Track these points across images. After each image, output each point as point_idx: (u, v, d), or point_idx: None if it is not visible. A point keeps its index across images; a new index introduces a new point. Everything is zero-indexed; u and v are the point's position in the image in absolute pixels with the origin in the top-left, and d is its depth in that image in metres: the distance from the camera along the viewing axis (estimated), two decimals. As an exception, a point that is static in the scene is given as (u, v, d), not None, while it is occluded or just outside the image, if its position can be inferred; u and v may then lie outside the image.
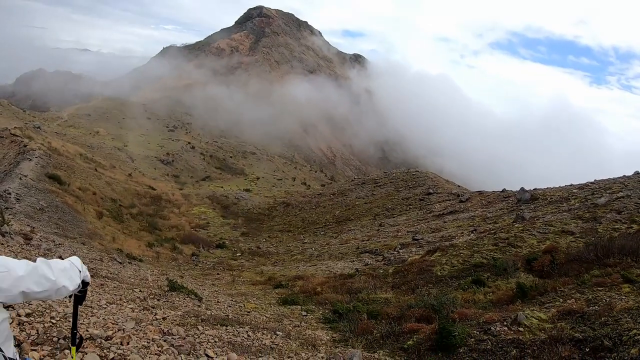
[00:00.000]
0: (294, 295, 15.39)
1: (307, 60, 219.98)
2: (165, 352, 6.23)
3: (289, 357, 7.68)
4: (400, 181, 48.55)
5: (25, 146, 39.42)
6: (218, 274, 23.63)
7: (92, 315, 7.32)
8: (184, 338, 7.26)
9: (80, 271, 2.77)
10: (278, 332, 9.48)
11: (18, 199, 23.79)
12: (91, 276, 11.50)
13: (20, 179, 28.57)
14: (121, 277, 13.58)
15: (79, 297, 2.84)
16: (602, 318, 7.46)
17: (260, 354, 7.54)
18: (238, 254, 31.88)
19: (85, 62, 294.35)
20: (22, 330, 5.51)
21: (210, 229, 41.40)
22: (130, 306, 9.11)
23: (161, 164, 77.36)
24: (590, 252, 12.06)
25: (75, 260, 2.80)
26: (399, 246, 25.34)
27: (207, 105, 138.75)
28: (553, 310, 8.61)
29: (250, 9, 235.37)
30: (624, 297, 8.62)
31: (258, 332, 9.26)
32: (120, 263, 18.21)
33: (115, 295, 9.93)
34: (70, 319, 6.55)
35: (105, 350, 5.69)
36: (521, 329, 8.05)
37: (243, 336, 8.66)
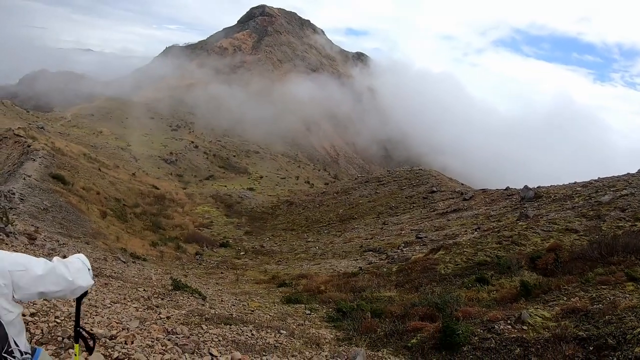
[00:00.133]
0: (297, 294, 15.40)
1: (309, 58, 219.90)
2: (169, 351, 6.24)
3: (292, 356, 7.68)
4: (403, 179, 48.51)
5: (29, 146, 39.50)
6: (222, 272, 23.65)
7: (96, 315, 7.34)
8: (188, 337, 7.27)
9: (89, 269, 2.79)
10: (282, 331, 9.49)
11: (22, 199, 23.83)
12: (95, 275, 11.56)
13: (24, 179, 28.63)
14: (125, 277, 13.60)
15: (82, 294, 2.85)
16: (606, 316, 7.45)
17: (264, 353, 7.54)
18: (242, 253, 31.91)
19: (87, 62, 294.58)
20: (27, 330, 5.52)
21: (214, 228, 41.45)
22: (134, 305, 9.13)
23: (165, 163, 77.44)
24: (594, 250, 12.03)
25: (84, 259, 2.81)
26: (403, 244, 25.32)
27: (210, 105, 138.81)
28: (557, 309, 8.60)
29: (252, 8, 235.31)
30: (627, 296, 8.61)
31: (262, 330, 9.27)
32: (124, 262, 18.23)
33: (119, 294, 9.95)
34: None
35: (109, 350, 5.70)
36: (525, 327, 8.04)
37: (247, 335, 8.67)
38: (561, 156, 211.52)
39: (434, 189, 41.97)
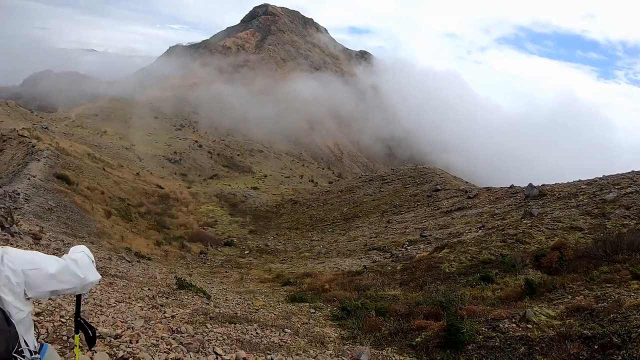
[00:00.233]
0: (302, 293, 15.41)
1: (313, 57, 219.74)
2: (174, 350, 6.26)
3: (297, 355, 7.69)
4: (407, 178, 48.48)
5: (33, 147, 39.62)
6: (226, 271, 23.68)
7: (101, 314, 7.37)
8: (193, 336, 7.29)
9: (93, 262, 2.81)
10: (286, 330, 9.51)
11: (27, 199, 23.90)
12: (100, 275, 11.58)
13: (29, 179, 28.72)
14: (130, 276, 13.63)
15: None
16: (611, 315, 7.44)
17: (268, 352, 7.56)
18: (246, 252, 31.95)
19: (91, 63, 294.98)
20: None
21: (218, 227, 41.52)
22: (139, 304, 9.15)
23: (169, 162, 77.58)
24: (599, 249, 12.01)
25: (88, 252, 2.83)
26: (407, 243, 25.32)
27: (214, 104, 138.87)
28: (561, 307, 8.59)
29: (255, 7, 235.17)
30: (632, 294, 8.58)
31: (266, 329, 9.29)
32: (129, 262, 18.27)
33: (124, 293, 9.98)
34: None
35: (114, 349, 5.73)
36: (529, 325, 8.02)
37: (251, 334, 8.68)
38: (565, 154, 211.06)
39: (438, 187, 41.93)
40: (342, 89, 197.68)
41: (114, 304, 8.53)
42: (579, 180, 28.88)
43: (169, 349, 6.26)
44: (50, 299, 6.73)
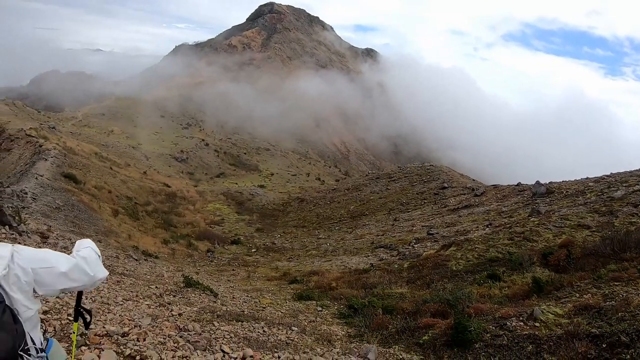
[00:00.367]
0: (309, 291, 15.43)
1: (319, 55, 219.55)
2: (181, 348, 6.27)
3: (304, 353, 7.69)
4: (414, 175, 48.38)
5: (40, 146, 39.83)
6: (233, 270, 23.72)
7: (108, 312, 7.39)
8: (200, 334, 7.30)
9: (99, 256, 2.83)
10: (293, 328, 9.51)
11: (34, 199, 24.02)
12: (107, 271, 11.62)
13: (36, 178, 28.86)
14: (137, 274, 13.67)
15: None
16: (619, 313, 7.40)
17: (275, 350, 7.56)
18: (253, 250, 32.00)
19: (98, 62, 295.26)
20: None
21: (225, 225, 41.60)
22: (146, 302, 9.18)
23: (175, 161, 77.75)
24: (607, 247, 11.95)
25: (94, 246, 2.85)
26: (414, 241, 25.28)
27: (220, 102, 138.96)
28: (569, 305, 8.55)
29: (261, 6, 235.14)
30: (641, 292, 8.54)
31: (273, 327, 9.29)
32: (136, 260, 18.33)
33: (131, 292, 10.00)
34: (87, 316, 6.62)
35: (121, 347, 5.74)
36: (537, 324, 7.99)
37: (259, 332, 8.70)
38: (572, 150, 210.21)
39: (445, 185, 41.84)
40: (348, 86, 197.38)
41: (122, 302, 8.55)
42: (587, 178, 28.73)
43: (176, 347, 6.27)
44: (57, 297, 6.76)
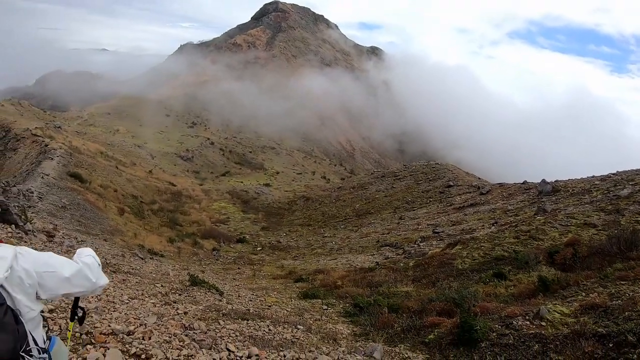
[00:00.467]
0: (314, 289, 15.43)
1: (323, 53, 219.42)
2: (186, 347, 6.28)
3: (310, 351, 7.68)
4: (420, 174, 48.31)
5: (46, 146, 40.00)
6: (239, 268, 23.75)
7: (114, 311, 7.40)
8: (206, 332, 7.30)
9: (99, 265, 2.85)
10: (299, 326, 9.51)
11: (40, 198, 24.11)
12: (113, 272, 11.69)
13: (42, 177, 28.97)
14: (143, 273, 13.70)
15: None
16: (626, 313, 7.35)
17: (281, 348, 7.55)
18: (259, 248, 32.04)
19: (103, 62, 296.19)
20: (45, 326, 5.57)
21: (230, 224, 41.65)
22: (152, 301, 9.19)
23: (181, 160, 77.84)
24: (613, 245, 11.88)
25: (94, 254, 2.87)
26: (420, 239, 25.25)
27: (225, 101, 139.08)
28: (575, 305, 8.51)
29: (266, 4, 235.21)
30: (647, 291, 8.49)
31: (279, 326, 9.29)
32: (142, 258, 18.37)
33: (137, 290, 10.02)
34: (93, 315, 6.66)
35: (127, 345, 5.75)
36: (543, 323, 7.95)
37: (264, 330, 8.69)
38: (578, 148, 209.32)
39: (451, 183, 41.76)
40: (353, 84, 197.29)
41: (127, 301, 8.57)
42: (593, 176, 28.61)
43: (181, 346, 6.27)
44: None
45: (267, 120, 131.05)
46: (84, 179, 33.52)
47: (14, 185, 25.06)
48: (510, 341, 7.66)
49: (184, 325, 7.46)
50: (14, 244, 9.68)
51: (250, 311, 10.50)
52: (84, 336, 5.68)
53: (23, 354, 2.17)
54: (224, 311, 9.57)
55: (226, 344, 6.96)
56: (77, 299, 2.96)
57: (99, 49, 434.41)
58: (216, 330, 7.75)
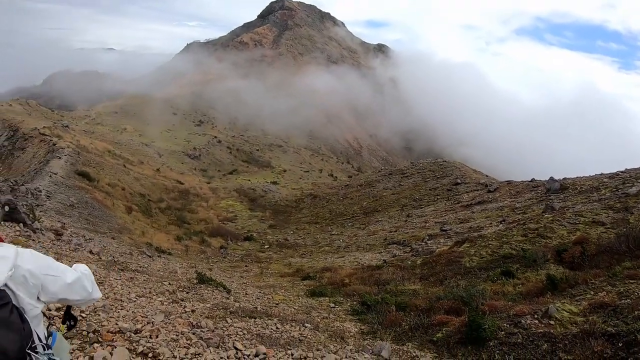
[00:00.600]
0: (322, 287, 15.41)
1: (330, 51, 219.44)
2: (194, 345, 6.28)
3: (317, 350, 7.67)
4: (427, 171, 48.20)
5: (54, 145, 40.19)
6: (246, 266, 23.76)
7: (121, 309, 7.42)
8: (213, 331, 7.30)
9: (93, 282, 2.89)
10: (306, 324, 9.50)
11: (49, 196, 24.22)
12: (121, 270, 11.73)
13: (50, 176, 29.11)
14: (150, 271, 13.74)
15: None
16: (635, 312, 7.29)
17: (289, 347, 7.54)
18: (266, 246, 32.07)
19: (110, 61, 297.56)
20: (52, 325, 5.59)
21: (238, 222, 41.70)
22: (159, 299, 9.21)
23: (188, 158, 78.10)
24: (622, 244, 11.80)
25: (89, 271, 2.89)
26: (427, 237, 25.19)
27: (232, 99, 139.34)
28: (584, 303, 8.44)
29: (272, 2, 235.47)
30: (657, 290, 8.42)
31: (286, 324, 9.28)
32: (150, 256, 18.41)
33: (144, 288, 10.04)
34: (100, 313, 6.67)
35: (134, 344, 5.75)
36: (552, 322, 7.90)
37: (271, 328, 8.69)
38: (586, 145, 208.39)
39: (458, 180, 41.63)
40: (359, 82, 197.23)
41: (135, 299, 8.59)
42: (601, 174, 28.45)
43: (188, 344, 6.28)
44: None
45: (274, 118, 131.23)
46: (91, 177, 33.66)
47: (22, 184, 25.21)
48: (519, 340, 7.62)
49: (192, 323, 7.46)
50: (22, 243, 9.73)
51: (258, 309, 10.51)
52: (91, 334, 5.69)
53: (29, 351, 2.19)
54: (231, 309, 9.58)
55: (233, 343, 6.95)
56: (69, 307, 2.96)
57: (105, 48, 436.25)
58: (223, 329, 7.75)
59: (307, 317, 10.76)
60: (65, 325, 3.00)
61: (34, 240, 12.13)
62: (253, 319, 9.03)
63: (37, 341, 2.30)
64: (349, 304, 12.83)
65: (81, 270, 2.72)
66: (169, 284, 11.60)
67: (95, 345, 5.45)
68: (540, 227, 17.16)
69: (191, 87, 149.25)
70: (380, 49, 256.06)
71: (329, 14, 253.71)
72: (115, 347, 5.44)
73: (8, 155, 44.31)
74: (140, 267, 13.92)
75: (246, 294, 13.43)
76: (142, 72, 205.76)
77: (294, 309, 11.88)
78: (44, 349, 2.36)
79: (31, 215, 14.63)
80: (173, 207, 40.55)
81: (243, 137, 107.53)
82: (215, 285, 12.61)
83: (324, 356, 7.27)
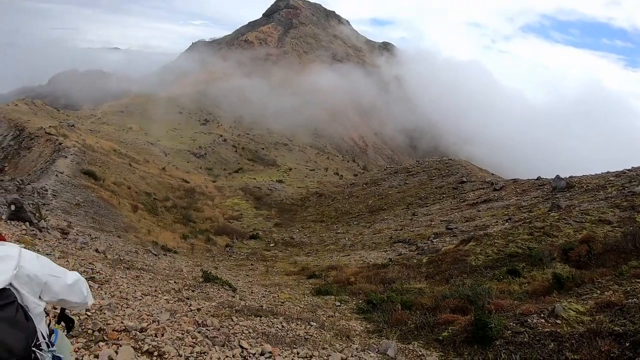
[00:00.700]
0: (327, 286, 15.42)
1: (335, 49, 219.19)
2: (199, 344, 6.28)
3: (323, 349, 7.66)
4: (433, 170, 48.11)
5: (60, 144, 40.30)
6: (252, 264, 23.80)
7: (127, 307, 7.43)
8: (219, 329, 7.30)
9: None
10: (312, 323, 9.49)
11: (55, 195, 24.29)
12: (127, 268, 11.75)
13: (57, 175, 29.18)
14: (156, 269, 13.77)
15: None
16: (642, 311, 7.26)
17: (294, 345, 7.54)
18: (271, 245, 32.07)
19: (115, 61, 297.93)
20: (58, 323, 5.60)
21: (243, 220, 41.74)
22: (165, 297, 9.23)
23: (194, 157, 78.18)
24: (628, 242, 11.74)
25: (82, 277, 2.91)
26: (433, 235, 25.13)
27: (237, 98, 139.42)
28: (591, 303, 8.40)
29: (277, 1, 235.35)
30: (664, 289, 8.37)
31: (292, 322, 9.28)
32: (156, 255, 18.47)
33: (150, 286, 10.07)
34: (106, 311, 6.68)
35: (139, 342, 5.75)
36: (558, 321, 7.86)
37: (277, 327, 8.69)
38: (591, 143, 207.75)
39: (464, 179, 41.53)
40: (364, 80, 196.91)
41: (140, 297, 8.61)
42: (607, 172, 28.31)
43: (194, 343, 6.28)
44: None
45: (279, 116, 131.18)
46: (97, 176, 33.73)
47: (29, 184, 25.31)
48: (525, 339, 7.59)
49: (197, 321, 7.47)
50: (28, 241, 9.74)
51: (264, 307, 10.52)
52: (96, 333, 5.70)
53: (34, 349, 2.22)
54: (237, 308, 9.59)
55: (239, 341, 6.95)
56: (63, 310, 2.98)
57: (110, 47, 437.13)
58: (229, 327, 7.76)
59: (313, 315, 10.76)
60: (61, 325, 3.03)
61: (40, 239, 12.16)
62: (259, 318, 9.03)
63: (41, 339, 2.34)
64: (354, 303, 12.83)
65: (78, 276, 2.75)
66: (175, 282, 11.62)
67: (101, 343, 5.46)
68: (546, 225, 17.10)
69: (196, 86, 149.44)
70: (386, 47, 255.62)
71: (334, 12, 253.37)
72: (121, 346, 5.45)
73: (14, 154, 44.50)
74: (146, 265, 13.96)
75: (252, 292, 13.44)
76: (147, 71, 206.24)
77: (300, 307, 11.88)
78: (48, 347, 2.39)
79: (37, 214, 14.67)
80: (179, 205, 40.60)
81: (248, 135, 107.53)
82: (221, 283, 12.63)
83: (330, 355, 7.25)
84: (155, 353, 5.60)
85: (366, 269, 18.66)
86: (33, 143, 43.95)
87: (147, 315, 7.17)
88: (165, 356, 5.60)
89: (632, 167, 27.12)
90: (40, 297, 2.41)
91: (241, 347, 6.72)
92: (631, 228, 13.68)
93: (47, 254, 9.50)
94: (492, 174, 46.79)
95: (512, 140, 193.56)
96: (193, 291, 10.96)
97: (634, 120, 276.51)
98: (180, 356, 5.72)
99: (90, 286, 8.30)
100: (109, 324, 6.08)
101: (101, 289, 8.41)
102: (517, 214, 24.99)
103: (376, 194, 46.43)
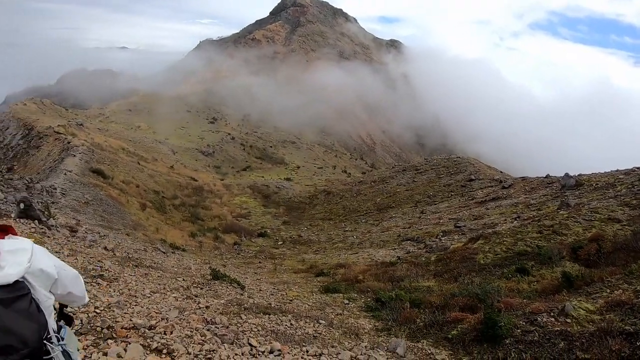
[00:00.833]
0: (335, 284, 15.41)
1: (342, 47, 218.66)
2: (208, 342, 6.28)
3: (332, 347, 7.65)
4: (441, 167, 47.97)
5: (69, 143, 40.53)
6: (260, 262, 23.82)
7: (136, 305, 7.44)
8: (227, 327, 7.31)
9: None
10: (321, 321, 9.49)
11: (63, 194, 24.41)
12: (135, 266, 11.78)
13: (65, 174, 29.33)
14: (165, 267, 13.79)
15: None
16: (653, 310, 7.21)
17: (303, 343, 7.54)
18: (280, 243, 32.09)
19: (122, 60, 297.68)
20: (58, 321, 5.61)
21: (251, 218, 41.78)
22: (173, 295, 9.24)
23: (202, 155, 78.28)
24: (638, 241, 11.67)
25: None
26: (441, 234, 25.07)
27: (245, 96, 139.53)
28: (601, 301, 8.34)
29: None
30: (674, 288, 8.31)
31: (301, 320, 9.29)
32: (164, 253, 18.51)
33: (159, 284, 10.09)
34: (115, 309, 6.70)
35: (148, 340, 5.76)
36: (568, 320, 7.81)
37: (286, 325, 8.69)
38: (600, 141, 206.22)
39: (473, 177, 41.39)
40: (372, 78, 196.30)
41: (149, 295, 8.62)
42: (617, 170, 28.14)
43: (203, 340, 6.28)
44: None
45: (286, 114, 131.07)
46: (106, 175, 33.87)
47: (38, 182, 25.43)
48: (535, 338, 7.54)
49: (206, 319, 7.48)
50: (37, 239, 9.76)
51: (272, 305, 10.52)
52: (105, 330, 5.71)
53: (45, 342, 2.24)
54: (245, 305, 9.59)
55: (248, 339, 6.96)
56: (62, 307, 3.00)
57: (118, 47, 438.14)
58: (238, 325, 7.76)
59: (321, 313, 10.76)
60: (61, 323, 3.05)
61: (49, 237, 12.21)
62: (267, 315, 9.04)
63: (52, 332, 2.36)
64: (363, 301, 12.81)
65: (76, 271, 2.79)
66: (183, 280, 11.64)
67: (110, 341, 5.47)
68: (555, 223, 17.01)
69: (204, 84, 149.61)
70: (393, 44, 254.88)
71: (341, 10, 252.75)
72: (130, 343, 5.46)
73: (23, 153, 44.80)
74: (155, 263, 13.98)
75: (260, 290, 13.45)
76: (155, 70, 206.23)
77: (308, 305, 11.88)
78: (58, 341, 2.42)
79: (46, 213, 14.75)
80: (187, 203, 40.70)
81: (256, 133, 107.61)
82: (230, 281, 12.64)
83: (339, 353, 7.25)
84: (164, 351, 5.60)
85: (374, 267, 18.64)
86: (42, 142, 44.21)
87: (156, 312, 7.18)
88: (174, 354, 5.60)
89: (642, 165, 26.98)
90: (50, 290, 2.43)
91: (250, 344, 6.73)
92: (641, 226, 13.61)
93: (56, 252, 9.54)
94: (501, 172, 46.68)
95: (519, 138, 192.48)
96: (201, 289, 10.98)
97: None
98: (189, 354, 5.72)
99: (99, 284, 8.39)
100: (118, 322, 6.10)
101: (110, 287, 8.43)
102: (526, 212, 24.88)
103: (384, 192, 46.36)
